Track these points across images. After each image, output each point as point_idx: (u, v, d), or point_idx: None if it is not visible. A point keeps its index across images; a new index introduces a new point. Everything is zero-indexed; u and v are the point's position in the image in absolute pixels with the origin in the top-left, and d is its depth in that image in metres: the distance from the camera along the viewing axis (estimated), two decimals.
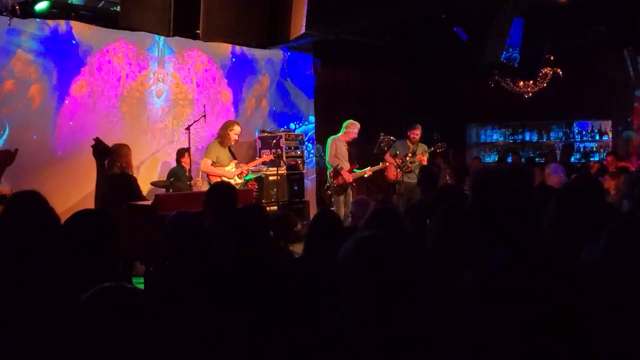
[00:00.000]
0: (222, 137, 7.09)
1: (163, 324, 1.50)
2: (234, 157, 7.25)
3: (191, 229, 2.83)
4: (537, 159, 11.51)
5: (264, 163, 7.98)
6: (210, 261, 2.80)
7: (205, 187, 6.63)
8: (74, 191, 6.51)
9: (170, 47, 7.90)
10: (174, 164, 7.53)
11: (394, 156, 8.29)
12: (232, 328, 2.29)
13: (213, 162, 6.99)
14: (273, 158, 7.83)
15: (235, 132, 7.10)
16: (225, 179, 6.92)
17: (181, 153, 7.30)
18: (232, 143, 7.16)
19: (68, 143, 6.88)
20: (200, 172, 7.23)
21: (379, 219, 2.75)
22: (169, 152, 7.85)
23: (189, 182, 7.03)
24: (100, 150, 3.61)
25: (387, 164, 8.36)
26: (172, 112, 7.96)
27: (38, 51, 6.70)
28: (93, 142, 4.50)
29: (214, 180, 6.83)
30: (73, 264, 2.30)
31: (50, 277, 2.19)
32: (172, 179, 7.02)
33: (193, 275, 2.60)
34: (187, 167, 7.13)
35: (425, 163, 8.00)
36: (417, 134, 8.29)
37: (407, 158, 8.17)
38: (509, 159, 10.82)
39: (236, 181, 7.16)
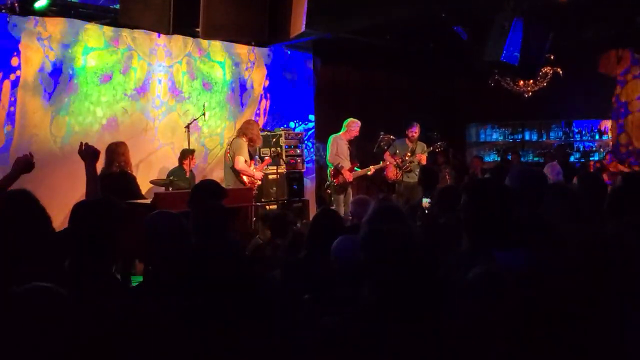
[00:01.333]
0: (250, 137, 6.98)
1: (89, 328, 1.55)
2: (252, 157, 7.24)
3: (171, 229, 2.73)
4: (535, 158, 11.52)
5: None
6: (189, 262, 2.71)
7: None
8: (75, 190, 6.47)
9: (170, 45, 7.88)
10: (171, 165, 7.49)
11: (394, 155, 8.27)
12: (211, 328, 2.25)
13: (246, 160, 6.93)
14: (271, 161, 7.81)
15: (259, 131, 7.17)
16: (253, 178, 6.98)
17: (184, 155, 7.15)
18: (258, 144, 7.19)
19: (68, 142, 6.85)
20: (232, 170, 7.09)
21: (383, 216, 2.73)
22: (168, 151, 7.82)
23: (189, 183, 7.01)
24: (89, 153, 3.51)
25: (387, 163, 8.33)
26: (171, 111, 7.93)
27: (37, 49, 6.67)
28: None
29: (243, 179, 6.84)
30: (67, 261, 2.28)
31: (40, 276, 2.18)
32: (171, 177, 6.99)
33: (172, 276, 2.54)
34: (188, 169, 7.07)
35: (424, 162, 8.00)
36: (415, 132, 8.27)
37: (407, 157, 8.15)
38: (509, 158, 10.81)
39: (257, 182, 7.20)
